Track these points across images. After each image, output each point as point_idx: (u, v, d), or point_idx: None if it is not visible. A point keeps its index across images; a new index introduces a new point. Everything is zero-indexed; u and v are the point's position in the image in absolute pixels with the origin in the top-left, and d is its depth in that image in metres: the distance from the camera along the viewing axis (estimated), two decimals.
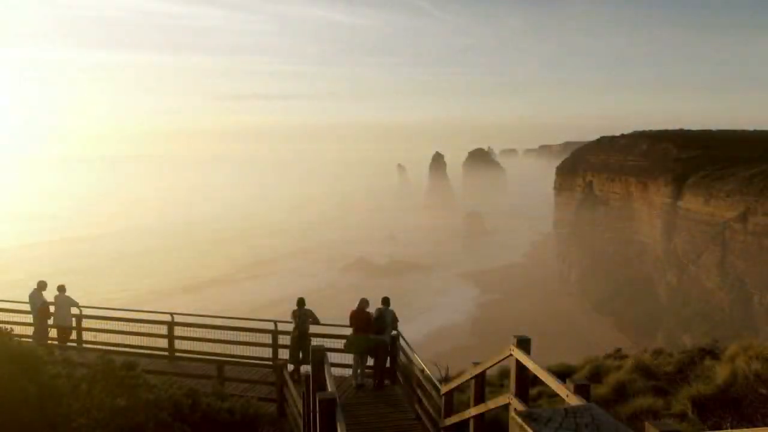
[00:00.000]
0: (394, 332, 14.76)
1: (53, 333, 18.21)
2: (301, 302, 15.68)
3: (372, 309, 14.80)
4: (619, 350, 15.44)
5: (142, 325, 17.91)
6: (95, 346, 17.13)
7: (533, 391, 11.12)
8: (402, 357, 14.63)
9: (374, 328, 14.47)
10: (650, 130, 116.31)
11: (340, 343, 15.43)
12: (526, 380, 7.36)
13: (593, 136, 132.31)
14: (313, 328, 15.64)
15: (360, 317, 14.58)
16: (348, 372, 15.22)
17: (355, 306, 14.79)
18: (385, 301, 14.90)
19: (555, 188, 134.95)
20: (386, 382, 14.63)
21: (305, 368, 14.50)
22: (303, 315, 15.47)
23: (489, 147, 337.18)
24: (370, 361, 14.92)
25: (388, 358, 14.76)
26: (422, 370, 12.04)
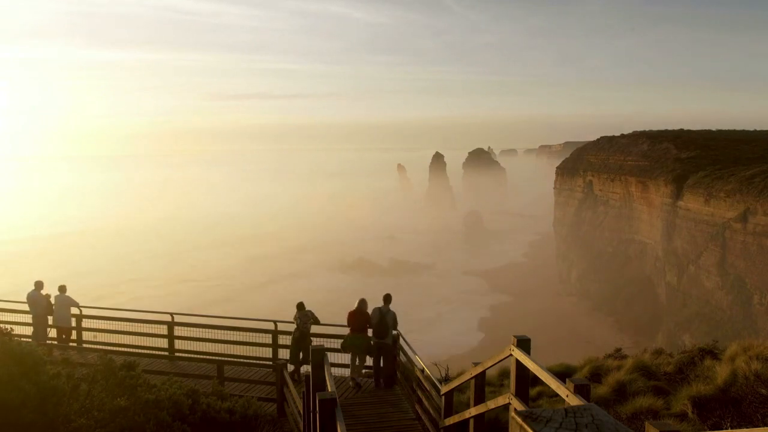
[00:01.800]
0: (394, 332, 14.71)
1: (53, 333, 18.24)
2: (300, 306, 15.69)
3: (371, 308, 14.74)
4: (619, 350, 15.40)
5: (142, 325, 17.94)
6: (95, 346, 17.14)
7: (533, 391, 11.12)
8: (402, 357, 14.61)
9: (375, 332, 14.38)
10: (650, 130, 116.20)
11: (340, 344, 15.44)
12: (526, 380, 7.36)
13: (593, 136, 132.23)
14: (313, 328, 15.66)
15: (358, 317, 14.56)
16: (348, 372, 15.21)
17: (354, 306, 14.78)
18: (387, 298, 14.72)
19: (555, 188, 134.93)
20: (382, 381, 14.61)
21: (305, 368, 14.51)
22: (304, 317, 15.49)
23: (489, 147, 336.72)
24: (369, 361, 14.89)
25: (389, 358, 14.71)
26: (422, 370, 12.02)
